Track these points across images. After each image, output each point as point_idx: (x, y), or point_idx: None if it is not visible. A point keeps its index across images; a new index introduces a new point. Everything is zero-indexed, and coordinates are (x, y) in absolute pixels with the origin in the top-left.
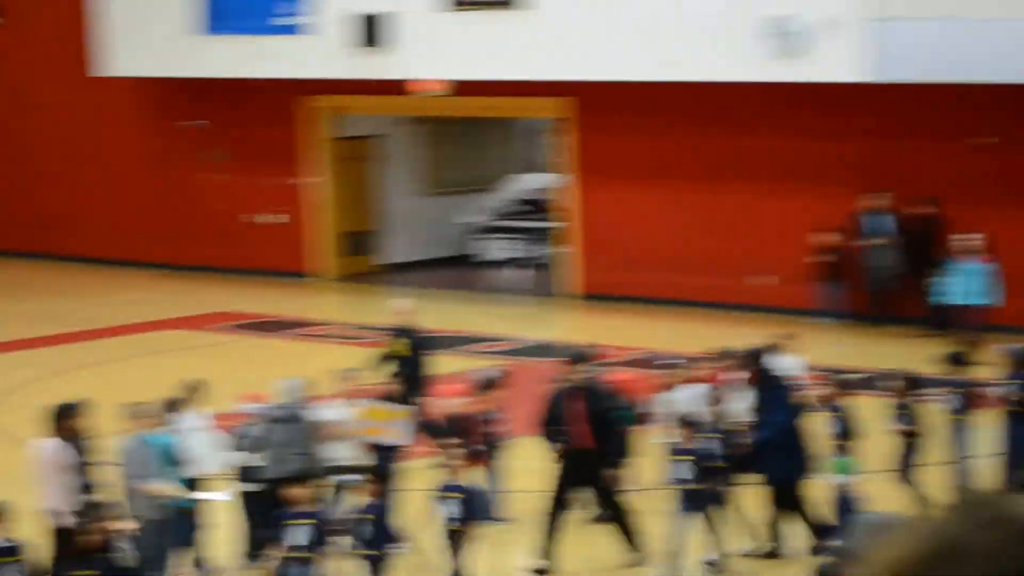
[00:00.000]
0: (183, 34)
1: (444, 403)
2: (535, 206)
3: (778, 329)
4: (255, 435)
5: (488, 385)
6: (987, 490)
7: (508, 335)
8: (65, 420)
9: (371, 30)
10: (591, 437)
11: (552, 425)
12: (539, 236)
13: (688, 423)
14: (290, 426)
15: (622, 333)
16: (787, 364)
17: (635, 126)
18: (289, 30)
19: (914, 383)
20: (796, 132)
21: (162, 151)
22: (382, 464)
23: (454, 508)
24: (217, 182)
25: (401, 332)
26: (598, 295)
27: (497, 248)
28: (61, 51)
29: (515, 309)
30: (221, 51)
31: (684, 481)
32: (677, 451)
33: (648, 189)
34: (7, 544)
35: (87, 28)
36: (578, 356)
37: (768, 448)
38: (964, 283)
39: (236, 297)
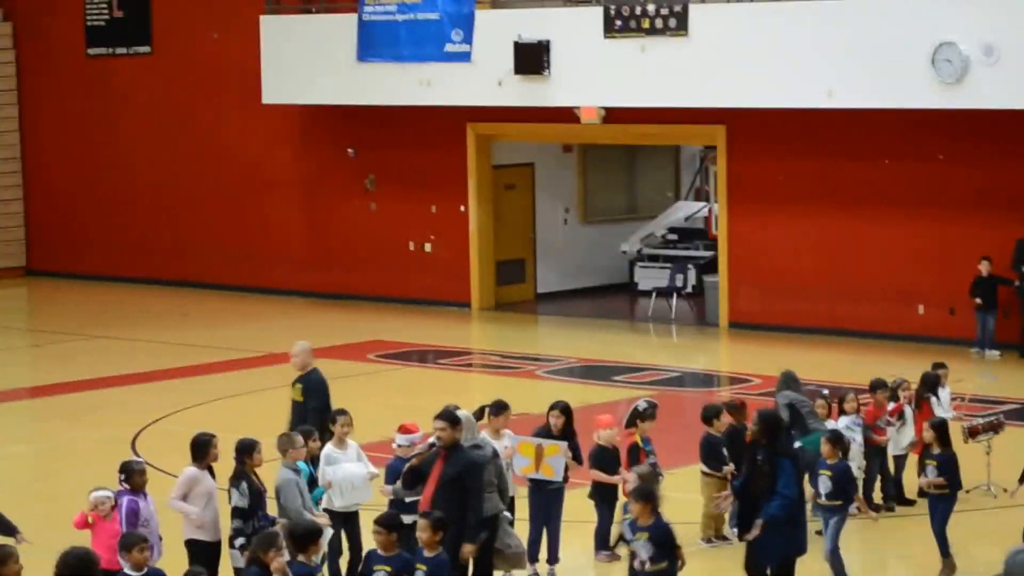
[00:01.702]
0: (345, 62)
1: (597, 434)
2: (689, 234)
3: (930, 360)
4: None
5: (639, 415)
6: None
7: (660, 364)
8: (206, 450)
9: (527, 58)
10: (429, 502)
11: (416, 485)
12: (692, 264)
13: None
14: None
15: (769, 362)
16: (942, 396)
17: (784, 153)
18: (451, 58)
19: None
20: (953, 159)
21: (322, 179)
22: (543, 500)
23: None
24: (373, 210)
25: (298, 378)
26: (748, 324)
27: (651, 276)
28: (221, 80)
29: (667, 338)
30: (381, 78)
31: None
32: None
33: (797, 217)
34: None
35: (250, 57)
36: (448, 415)
37: (774, 523)
38: None
39: (388, 325)
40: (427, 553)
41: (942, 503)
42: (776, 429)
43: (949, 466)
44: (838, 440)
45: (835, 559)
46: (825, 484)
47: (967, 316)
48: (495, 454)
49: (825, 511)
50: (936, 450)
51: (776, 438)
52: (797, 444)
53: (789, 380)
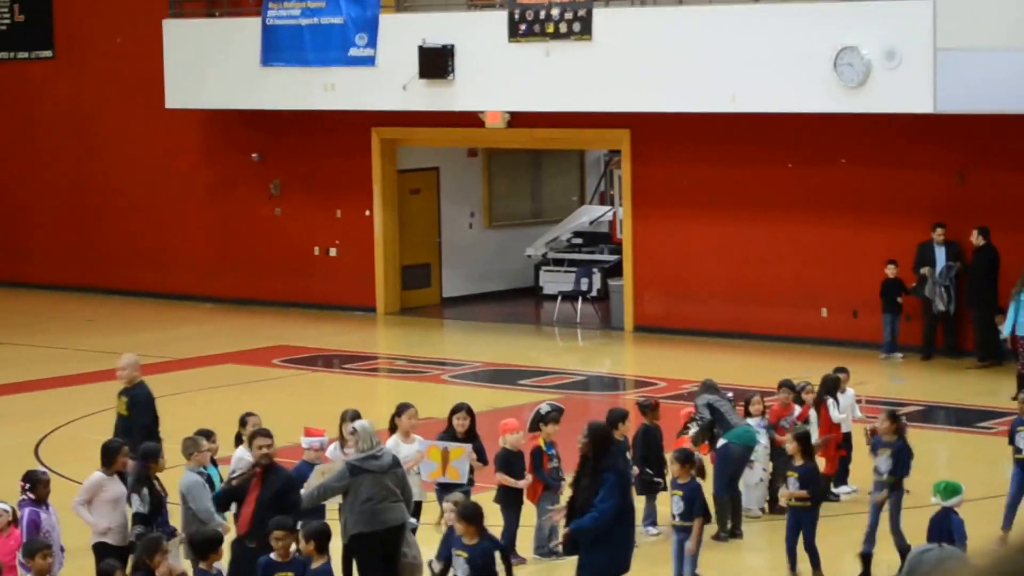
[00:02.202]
0: (248, 66)
1: (502, 438)
2: (594, 238)
3: (834, 363)
4: (332, 483)
5: (542, 419)
6: None
7: (565, 368)
8: (115, 456)
9: (432, 62)
10: (248, 523)
11: (229, 506)
12: (597, 268)
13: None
14: (381, 475)
15: (675, 365)
16: (843, 399)
17: (689, 157)
18: (355, 62)
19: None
20: (856, 163)
21: (227, 184)
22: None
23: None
24: (279, 215)
25: (123, 391)
26: (652, 328)
27: (556, 281)
28: (125, 85)
29: (573, 342)
30: (285, 83)
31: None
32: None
33: (702, 221)
34: None
35: (153, 61)
36: (264, 433)
37: (589, 537)
38: None
39: (295, 331)
40: (314, 564)
41: (804, 515)
42: (604, 443)
43: (810, 478)
44: (687, 459)
45: None
46: (677, 504)
47: (870, 319)
48: (395, 463)
49: (678, 531)
50: (798, 461)
51: (604, 452)
52: (722, 441)
53: (708, 387)
